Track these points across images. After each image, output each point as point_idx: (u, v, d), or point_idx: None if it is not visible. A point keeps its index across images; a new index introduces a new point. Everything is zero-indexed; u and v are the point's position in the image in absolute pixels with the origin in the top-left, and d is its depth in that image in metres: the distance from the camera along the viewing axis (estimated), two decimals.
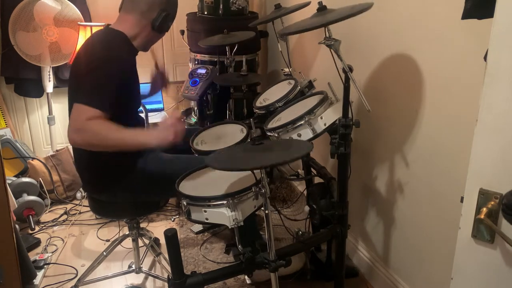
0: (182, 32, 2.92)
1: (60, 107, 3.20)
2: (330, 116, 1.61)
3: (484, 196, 0.80)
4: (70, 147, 2.76)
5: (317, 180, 2.07)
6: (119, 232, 2.59)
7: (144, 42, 1.80)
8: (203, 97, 2.63)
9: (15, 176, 2.85)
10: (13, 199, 2.46)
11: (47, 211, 2.79)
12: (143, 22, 1.74)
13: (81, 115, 1.53)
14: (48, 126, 3.11)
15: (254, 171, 1.45)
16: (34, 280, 2.10)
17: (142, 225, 2.48)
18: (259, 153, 1.36)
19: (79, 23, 2.89)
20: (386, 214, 1.97)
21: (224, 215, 1.42)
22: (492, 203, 0.79)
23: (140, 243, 2.13)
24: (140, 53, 1.84)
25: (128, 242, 2.21)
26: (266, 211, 1.40)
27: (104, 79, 1.59)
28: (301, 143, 1.53)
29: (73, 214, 2.79)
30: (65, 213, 2.79)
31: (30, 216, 2.57)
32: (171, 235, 1.39)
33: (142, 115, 2.87)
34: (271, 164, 1.37)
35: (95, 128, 1.53)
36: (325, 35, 1.53)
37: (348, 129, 1.56)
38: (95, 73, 1.59)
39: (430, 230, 1.69)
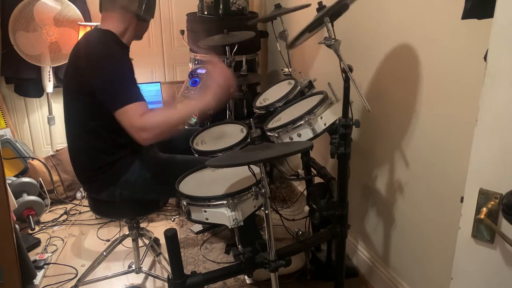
0: (182, 32, 2.92)
1: (60, 107, 3.17)
2: (330, 116, 1.61)
3: (484, 196, 0.80)
4: None
5: (317, 180, 2.07)
6: (119, 232, 2.59)
7: (134, 34, 1.79)
8: None
9: (15, 176, 2.85)
10: (13, 199, 2.46)
11: (47, 211, 2.79)
12: (128, 15, 1.73)
13: (133, 116, 1.54)
14: (48, 126, 3.11)
15: (254, 171, 1.45)
16: (34, 280, 2.10)
17: (142, 225, 2.48)
18: (259, 150, 1.36)
19: (79, 23, 2.89)
20: (386, 214, 1.97)
21: (224, 215, 1.42)
22: (492, 203, 0.79)
23: (140, 243, 2.13)
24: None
25: (128, 242, 2.21)
26: (266, 211, 1.40)
27: (121, 74, 1.61)
28: (301, 143, 1.54)
29: (73, 214, 2.79)
30: (65, 213, 2.79)
31: (30, 216, 2.56)
32: (171, 235, 1.39)
33: None
34: (270, 158, 1.36)
35: (153, 121, 1.55)
36: (326, 34, 1.53)
37: (348, 129, 1.56)
38: (111, 73, 1.60)
39: (430, 230, 1.69)
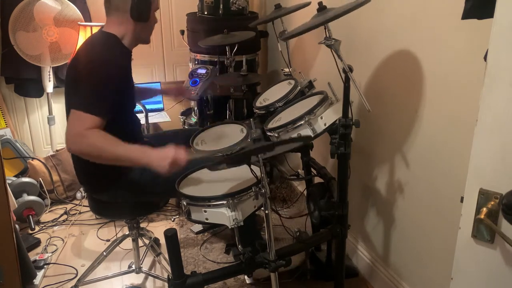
0: (182, 32, 2.92)
1: (60, 107, 3.20)
2: (330, 116, 1.61)
3: (484, 196, 0.80)
4: None
5: (317, 180, 2.07)
6: (118, 232, 2.59)
7: (136, 37, 1.77)
8: (203, 97, 2.63)
9: (15, 176, 2.85)
10: (13, 199, 2.46)
11: (47, 211, 2.79)
12: (124, 16, 1.72)
13: (80, 123, 1.52)
14: (48, 126, 3.11)
15: (254, 171, 1.45)
16: (34, 280, 2.10)
17: (142, 225, 2.48)
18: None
19: (79, 23, 2.89)
20: (386, 214, 1.97)
21: (224, 215, 1.42)
22: (492, 203, 0.79)
23: (140, 243, 2.13)
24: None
25: (128, 242, 2.21)
26: (266, 211, 1.40)
27: (101, 84, 1.59)
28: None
29: (73, 214, 2.79)
30: (65, 213, 2.79)
31: (30, 216, 2.56)
32: (171, 235, 1.39)
33: (142, 115, 2.88)
34: (265, 147, 1.36)
35: (94, 140, 1.52)
36: (325, 34, 1.53)
37: (348, 129, 1.56)
38: (91, 79, 1.59)
39: (430, 230, 1.69)
